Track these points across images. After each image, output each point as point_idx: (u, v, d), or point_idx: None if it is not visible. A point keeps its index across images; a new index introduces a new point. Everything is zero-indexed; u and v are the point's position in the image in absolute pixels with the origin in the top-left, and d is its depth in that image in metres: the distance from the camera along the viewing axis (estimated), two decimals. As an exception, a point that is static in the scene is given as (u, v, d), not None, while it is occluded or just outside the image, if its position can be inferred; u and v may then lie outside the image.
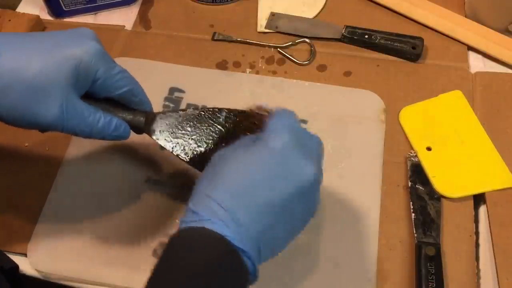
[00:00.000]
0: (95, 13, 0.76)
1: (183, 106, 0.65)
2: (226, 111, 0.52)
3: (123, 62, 0.68)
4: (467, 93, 0.65)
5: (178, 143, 0.51)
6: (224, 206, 0.39)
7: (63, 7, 0.74)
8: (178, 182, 0.59)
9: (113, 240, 0.56)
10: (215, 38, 0.72)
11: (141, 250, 0.55)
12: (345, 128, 0.63)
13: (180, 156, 0.51)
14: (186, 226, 0.39)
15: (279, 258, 0.53)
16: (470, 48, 0.70)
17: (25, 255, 0.55)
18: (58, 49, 0.44)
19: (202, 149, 0.51)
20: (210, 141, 0.51)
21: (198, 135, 0.51)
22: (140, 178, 0.60)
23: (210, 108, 0.52)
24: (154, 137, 0.51)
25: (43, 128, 0.45)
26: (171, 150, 0.51)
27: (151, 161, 0.61)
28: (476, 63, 0.69)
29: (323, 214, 0.57)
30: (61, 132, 0.46)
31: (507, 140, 0.61)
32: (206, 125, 0.51)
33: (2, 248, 0.56)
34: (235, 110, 0.52)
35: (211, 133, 0.51)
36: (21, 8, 0.77)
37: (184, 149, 0.51)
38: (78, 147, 0.62)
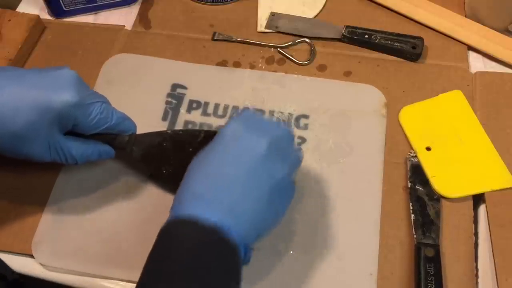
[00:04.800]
0: (95, 13, 0.76)
1: (185, 102, 0.66)
2: (204, 132, 0.56)
3: (126, 58, 0.70)
4: (467, 93, 0.65)
5: (157, 163, 0.56)
6: (196, 193, 0.45)
7: (63, 7, 0.74)
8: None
9: (116, 235, 0.56)
10: (215, 38, 0.72)
11: (145, 244, 0.55)
12: (346, 122, 0.63)
13: (160, 172, 0.56)
14: (169, 219, 0.45)
15: (279, 256, 0.54)
16: (470, 48, 0.70)
17: (29, 255, 0.56)
18: (40, 101, 0.48)
19: (178, 168, 0.53)
20: (187, 159, 0.53)
21: (177, 156, 0.55)
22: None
23: (189, 129, 0.57)
24: (135, 157, 0.56)
25: (35, 161, 0.51)
26: (152, 168, 0.56)
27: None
28: (476, 63, 0.69)
29: (324, 209, 0.57)
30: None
31: (507, 140, 0.61)
32: (185, 146, 0.56)
33: (6, 249, 0.56)
34: (213, 131, 0.56)
35: (190, 154, 0.53)
36: (21, 8, 0.77)
37: (161, 170, 0.56)
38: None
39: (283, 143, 0.49)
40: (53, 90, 0.49)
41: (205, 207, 0.44)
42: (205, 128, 0.63)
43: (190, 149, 0.56)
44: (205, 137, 0.56)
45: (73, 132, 0.52)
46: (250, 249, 0.46)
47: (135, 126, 0.56)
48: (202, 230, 0.43)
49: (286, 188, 0.49)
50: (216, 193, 0.45)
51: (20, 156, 0.50)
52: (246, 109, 0.52)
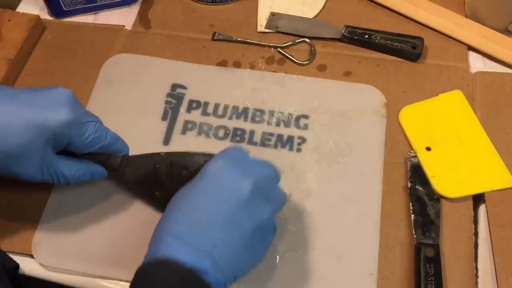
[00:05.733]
0: (95, 13, 0.76)
1: (185, 102, 0.66)
2: (196, 155, 0.55)
3: (126, 58, 0.70)
4: (467, 93, 0.65)
5: (150, 186, 0.55)
6: (175, 234, 0.44)
7: (63, 7, 0.74)
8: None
9: (117, 235, 0.56)
10: (215, 38, 0.72)
11: (145, 244, 0.55)
12: (346, 122, 0.63)
13: (149, 199, 0.56)
14: (146, 260, 0.44)
15: (279, 256, 0.54)
16: (470, 48, 0.70)
17: (29, 255, 0.56)
18: (34, 119, 0.48)
19: (172, 190, 0.53)
20: (177, 182, 0.52)
21: (170, 179, 0.54)
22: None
23: (184, 152, 0.56)
24: (127, 178, 0.55)
25: (28, 181, 0.50)
26: (143, 193, 0.56)
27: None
28: (476, 63, 0.69)
29: (324, 209, 0.57)
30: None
31: (507, 140, 0.61)
32: (179, 169, 0.54)
33: (6, 249, 0.56)
34: (204, 153, 0.55)
35: (181, 177, 0.54)
36: (21, 8, 0.77)
37: (154, 193, 0.55)
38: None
39: (268, 184, 0.48)
40: (48, 109, 0.48)
41: (183, 250, 0.43)
42: (205, 128, 0.63)
43: (184, 172, 0.54)
44: (201, 160, 0.55)
45: (65, 152, 0.52)
46: None
47: (127, 148, 0.56)
48: (179, 272, 0.42)
49: (268, 230, 0.48)
50: (195, 235, 0.43)
51: (11, 175, 0.50)
52: (231, 148, 0.50)
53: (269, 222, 0.47)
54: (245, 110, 0.65)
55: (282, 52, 0.70)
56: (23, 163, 0.49)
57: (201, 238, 0.43)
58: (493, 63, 0.69)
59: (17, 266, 0.54)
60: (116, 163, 0.54)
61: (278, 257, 0.54)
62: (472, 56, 0.70)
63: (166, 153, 0.56)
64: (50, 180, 0.51)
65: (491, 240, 0.54)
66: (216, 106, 0.65)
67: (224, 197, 0.45)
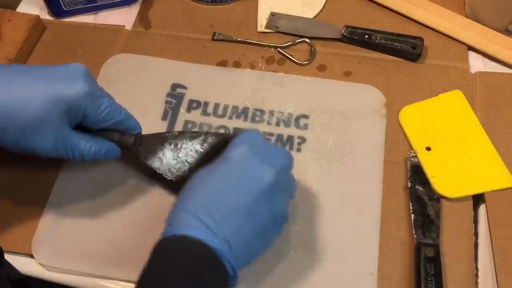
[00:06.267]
0: (95, 13, 0.76)
1: (185, 102, 0.66)
2: (209, 134, 0.57)
3: (126, 58, 0.70)
4: (467, 93, 0.65)
5: (162, 163, 0.56)
6: (195, 214, 0.44)
7: (63, 7, 0.74)
8: (183, 177, 0.60)
9: (117, 234, 0.56)
10: (215, 38, 0.72)
11: (145, 244, 0.55)
12: (346, 122, 0.63)
13: (164, 175, 0.56)
14: (165, 236, 0.44)
15: (279, 256, 0.54)
16: (470, 48, 0.70)
17: (29, 255, 0.56)
18: (50, 92, 0.48)
19: (184, 169, 0.56)
20: (190, 161, 0.56)
21: (179, 156, 0.56)
22: (144, 172, 0.60)
23: (195, 131, 0.58)
24: (141, 157, 0.56)
25: (42, 156, 0.50)
26: (156, 169, 0.56)
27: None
28: (476, 63, 0.69)
29: (324, 209, 0.57)
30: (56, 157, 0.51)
31: (507, 140, 0.61)
32: (186, 146, 0.56)
33: (6, 249, 0.56)
34: (217, 133, 0.57)
35: (191, 153, 0.56)
36: (21, 8, 0.77)
37: (168, 169, 0.56)
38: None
39: (286, 173, 0.50)
40: (64, 81, 0.49)
41: (203, 231, 0.43)
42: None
43: (196, 152, 0.56)
44: (212, 140, 0.57)
45: (80, 129, 0.52)
46: (237, 276, 0.46)
47: (140, 127, 0.56)
48: (198, 251, 0.43)
49: (281, 219, 0.49)
50: (216, 219, 0.44)
51: (26, 150, 0.50)
52: (250, 131, 0.51)
53: (284, 212, 0.49)
54: (245, 110, 0.65)
55: (282, 52, 0.70)
56: (39, 136, 0.48)
57: (220, 223, 0.44)
58: (493, 63, 0.69)
59: (22, 278, 0.55)
60: (130, 141, 0.55)
61: (278, 256, 0.54)
62: (472, 56, 0.70)
63: (179, 131, 0.57)
64: (65, 155, 0.51)
65: (491, 240, 0.54)
66: (216, 106, 0.65)
67: (246, 186, 0.46)
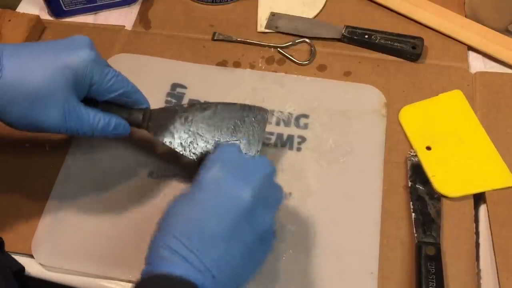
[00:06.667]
0: (95, 13, 0.76)
1: (185, 101, 0.66)
2: (220, 104, 0.55)
3: (126, 58, 0.70)
4: (467, 93, 0.65)
5: (174, 137, 0.54)
6: (172, 249, 0.41)
7: (63, 7, 0.74)
8: (181, 176, 0.60)
9: (117, 234, 0.56)
10: (215, 38, 0.72)
11: (145, 244, 0.55)
12: (346, 122, 0.63)
13: (177, 149, 0.54)
14: (145, 276, 0.42)
15: (279, 256, 0.54)
16: (470, 48, 0.70)
17: (29, 255, 0.56)
18: (56, 60, 0.47)
19: (198, 141, 0.54)
20: (202, 133, 0.54)
21: (190, 130, 0.54)
22: (143, 172, 0.60)
23: (205, 103, 0.56)
24: (151, 133, 0.55)
25: (49, 132, 0.49)
26: (168, 144, 0.54)
27: (154, 155, 0.61)
28: (476, 63, 0.69)
29: (324, 208, 0.57)
30: (65, 134, 0.51)
31: (507, 140, 0.61)
32: (197, 119, 0.55)
33: (6, 249, 0.55)
34: (225, 103, 0.55)
35: (202, 125, 0.54)
36: (21, 8, 0.77)
37: (180, 143, 0.54)
38: (80, 143, 0.63)
39: (268, 185, 0.46)
40: (69, 50, 0.48)
41: (183, 267, 0.41)
42: None
43: (208, 123, 0.55)
44: (223, 110, 0.55)
45: (87, 103, 0.50)
46: None
47: (148, 101, 0.55)
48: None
49: (268, 237, 0.46)
50: (194, 251, 0.41)
51: (34, 125, 0.48)
52: (224, 146, 0.49)
53: (269, 229, 0.46)
54: (245, 110, 0.65)
55: (282, 52, 0.70)
56: (46, 108, 0.47)
57: (200, 255, 0.41)
58: (493, 63, 0.69)
59: (22, 268, 0.54)
60: (139, 117, 0.54)
61: (278, 256, 0.54)
62: (472, 56, 0.70)
63: (189, 104, 0.56)
64: (73, 128, 0.49)
65: (492, 239, 0.54)
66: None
67: (224, 210, 0.43)
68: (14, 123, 0.48)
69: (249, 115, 0.55)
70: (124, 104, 0.53)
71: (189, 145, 0.54)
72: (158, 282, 0.40)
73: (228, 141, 0.54)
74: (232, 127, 0.54)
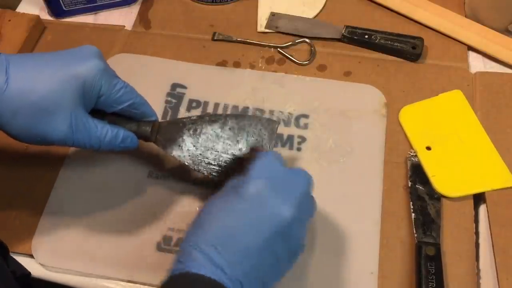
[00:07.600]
0: (95, 13, 0.76)
1: (185, 101, 0.66)
2: (229, 116, 0.55)
3: (126, 58, 0.70)
4: (467, 93, 0.65)
5: (182, 150, 0.54)
6: (207, 254, 0.41)
7: (63, 7, 0.74)
8: (181, 176, 0.60)
9: (117, 234, 0.56)
10: (215, 38, 0.72)
11: (145, 244, 0.55)
12: (346, 122, 0.63)
13: (186, 163, 0.54)
14: (177, 273, 0.41)
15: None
16: (470, 48, 0.70)
17: (29, 255, 0.56)
18: (63, 70, 0.46)
19: (206, 154, 0.53)
20: (211, 146, 0.53)
21: (199, 142, 0.54)
22: (143, 172, 0.60)
23: (213, 115, 0.55)
24: (160, 146, 0.54)
25: (55, 144, 0.48)
26: (177, 157, 0.54)
27: (153, 156, 0.61)
28: (476, 63, 0.69)
29: (324, 208, 0.57)
30: (71, 146, 0.48)
31: (507, 140, 0.61)
32: (206, 131, 0.54)
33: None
34: (235, 115, 0.54)
35: (211, 138, 0.54)
36: (21, 8, 0.77)
37: (189, 156, 0.54)
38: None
39: (306, 201, 0.46)
40: (78, 59, 0.47)
41: (216, 272, 0.40)
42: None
43: (217, 136, 0.54)
44: (233, 123, 0.55)
45: (94, 115, 0.49)
46: None
47: (156, 114, 0.54)
48: None
49: (298, 251, 0.46)
50: (229, 260, 0.41)
51: (40, 137, 0.47)
52: (267, 158, 0.47)
53: (302, 242, 0.46)
54: (245, 110, 0.65)
55: (282, 52, 0.70)
56: (53, 119, 0.46)
57: (233, 264, 0.41)
58: (493, 63, 0.69)
59: (27, 274, 0.54)
60: (147, 130, 0.53)
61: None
62: (472, 56, 0.70)
63: (198, 116, 0.55)
64: (80, 141, 0.48)
65: (491, 239, 0.54)
66: (216, 105, 0.65)
67: (263, 225, 0.43)
68: (19, 135, 0.47)
69: (258, 126, 0.55)
70: (132, 116, 0.52)
71: (198, 157, 0.54)
72: (191, 279, 0.40)
73: (266, 146, 0.54)
74: (241, 138, 0.54)
